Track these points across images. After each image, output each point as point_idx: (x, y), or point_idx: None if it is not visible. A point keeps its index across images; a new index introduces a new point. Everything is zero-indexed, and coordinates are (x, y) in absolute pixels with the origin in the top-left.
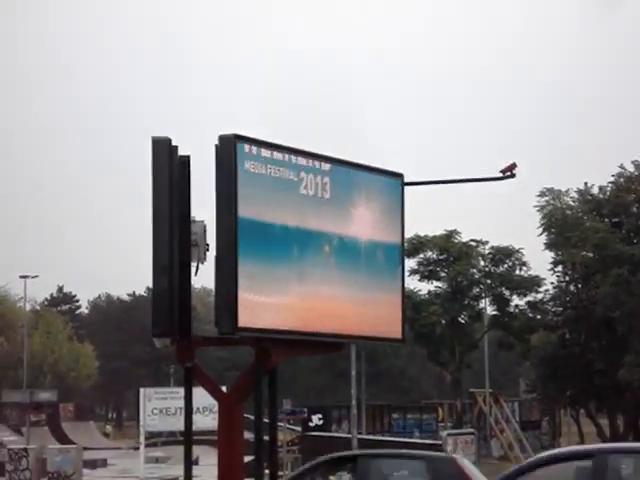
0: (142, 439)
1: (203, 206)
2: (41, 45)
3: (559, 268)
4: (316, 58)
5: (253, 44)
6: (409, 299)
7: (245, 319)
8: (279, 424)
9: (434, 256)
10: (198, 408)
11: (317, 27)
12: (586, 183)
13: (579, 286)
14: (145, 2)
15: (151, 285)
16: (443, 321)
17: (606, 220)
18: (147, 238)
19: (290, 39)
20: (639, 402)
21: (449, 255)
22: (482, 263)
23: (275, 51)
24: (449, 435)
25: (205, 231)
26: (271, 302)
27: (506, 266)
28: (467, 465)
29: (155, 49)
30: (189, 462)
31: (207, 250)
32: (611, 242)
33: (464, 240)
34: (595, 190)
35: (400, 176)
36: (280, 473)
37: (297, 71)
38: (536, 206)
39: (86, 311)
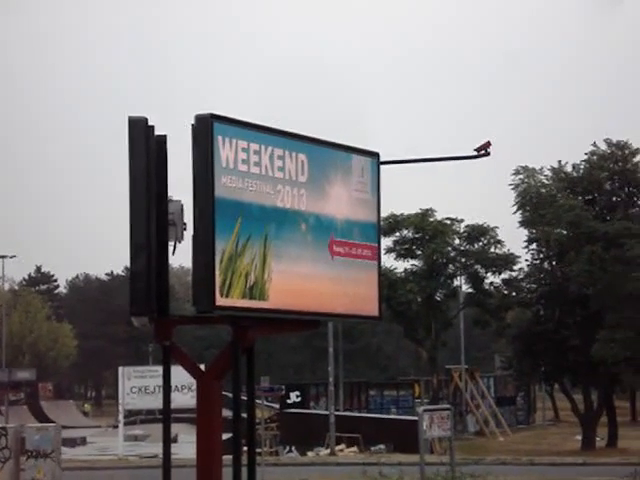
0: (121, 417)
1: (180, 186)
2: (16, 29)
3: (534, 245)
4: (294, 35)
5: (243, 35)
6: (385, 277)
7: (222, 297)
8: (257, 401)
9: (410, 235)
10: (177, 386)
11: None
12: (560, 161)
13: (553, 263)
14: None
15: (129, 265)
16: (419, 299)
17: (580, 198)
18: (124, 218)
19: (282, 34)
20: (613, 377)
21: (425, 233)
22: (457, 241)
23: (268, 47)
24: (425, 411)
25: (182, 210)
26: (248, 280)
27: (481, 244)
28: None
29: (146, 34)
30: (168, 440)
31: (184, 229)
32: (585, 219)
33: (439, 218)
34: (569, 168)
35: (376, 155)
36: (258, 450)
37: (273, 47)
38: (511, 184)
39: (64, 291)
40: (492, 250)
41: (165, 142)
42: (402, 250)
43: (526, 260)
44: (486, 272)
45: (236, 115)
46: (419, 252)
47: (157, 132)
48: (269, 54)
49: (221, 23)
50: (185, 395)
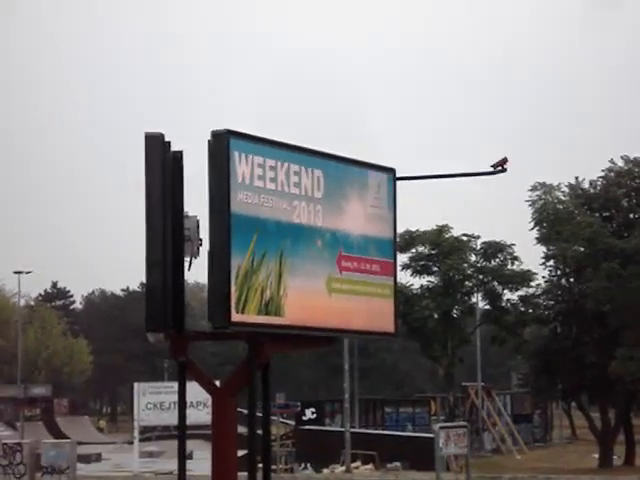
0: (136, 433)
1: (197, 201)
2: (33, 36)
3: (551, 262)
4: (306, 48)
5: (250, 43)
6: (402, 293)
7: (238, 313)
8: (272, 418)
9: (426, 251)
10: (192, 402)
11: (307, 16)
12: (577, 177)
13: (571, 280)
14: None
15: (145, 280)
16: (435, 315)
17: (597, 214)
18: (140, 234)
19: (287, 37)
20: (630, 395)
21: (441, 250)
22: (474, 258)
23: (272, 49)
24: (441, 428)
25: (198, 226)
26: (264, 296)
27: (498, 260)
28: None
29: (153, 47)
30: (183, 456)
31: (200, 245)
32: (602, 236)
33: (455, 235)
34: (586, 185)
35: (392, 171)
36: (273, 467)
37: (289, 65)
38: (527, 200)
39: (80, 306)
40: (509, 267)
41: (181, 158)
42: (418, 266)
43: (543, 277)
44: (503, 289)
45: (250, 129)
46: (435, 268)
47: (174, 148)
48: (277, 60)
49: (219, 22)
50: (200, 411)
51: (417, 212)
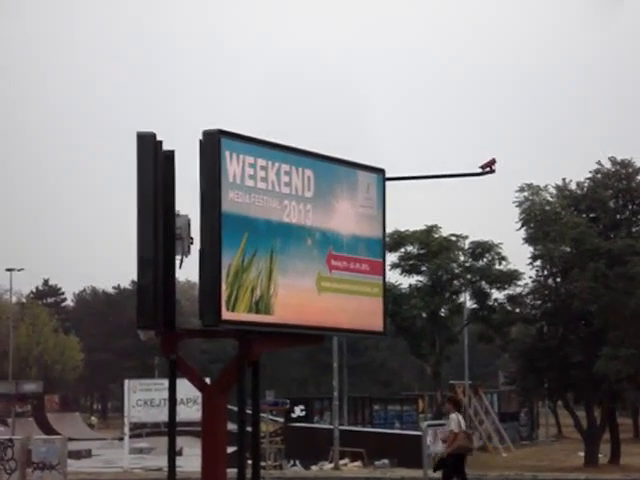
0: (127, 430)
1: (188, 200)
2: (22, 37)
3: (538, 262)
4: (298, 49)
5: (248, 41)
6: (390, 292)
7: (228, 311)
8: (262, 415)
9: (415, 251)
10: (182, 399)
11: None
12: (564, 179)
13: (557, 280)
14: None
15: (136, 278)
16: (424, 314)
17: (584, 215)
18: (132, 232)
19: (282, 36)
20: (615, 394)
21: (429, 250)
22: (462, 257)
23: (268, 47)
24: (429, 426)
25: (189, 225)
26: (254, 295)
27: (486, 260)
28: None
29: (149, 45)
30: (173, 453)
31: (191, 244)
32: (589, 237)
33: (444, 235)
34: (573, 186)
35: (382, 171)
36: (263, 463)
37: (281, 65)
38: (515, 201)
39: (71, 304)
40: (496, 266)
41: (173, 157)
42: (407, 266)
43: (530, 277)
44: (490, 288)
45: (243, 128)
46: (424, 268)
47: (165, 147)
48: (274, 67)
49: (224, 33)
50: (190, 408)
51: (407, 212)
